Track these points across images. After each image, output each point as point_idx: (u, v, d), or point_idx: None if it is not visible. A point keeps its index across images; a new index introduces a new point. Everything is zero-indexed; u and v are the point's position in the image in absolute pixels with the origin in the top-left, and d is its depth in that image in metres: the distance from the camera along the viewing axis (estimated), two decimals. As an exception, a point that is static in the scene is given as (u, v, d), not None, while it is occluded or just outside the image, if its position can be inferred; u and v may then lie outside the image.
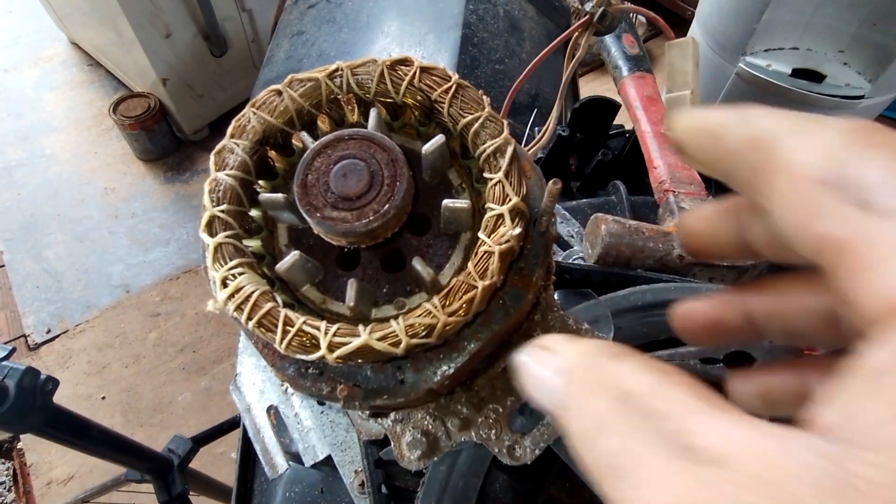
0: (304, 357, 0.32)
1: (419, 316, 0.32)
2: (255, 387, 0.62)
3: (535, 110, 0.91)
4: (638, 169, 0.85)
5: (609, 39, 0.89)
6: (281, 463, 0.61)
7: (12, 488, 2.16)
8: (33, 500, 2.06)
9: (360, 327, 0.32)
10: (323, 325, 0.32)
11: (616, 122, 0.98)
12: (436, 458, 0.45)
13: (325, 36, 1.66)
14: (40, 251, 2.65)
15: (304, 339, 0.32)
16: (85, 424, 0.90)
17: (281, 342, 0.32)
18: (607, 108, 0.87)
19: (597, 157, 0.83)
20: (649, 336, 0.58)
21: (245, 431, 0.74)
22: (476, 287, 0.32)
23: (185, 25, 2.64)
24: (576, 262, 0.64)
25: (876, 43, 1.71)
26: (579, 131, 0.92)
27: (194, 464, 1.41)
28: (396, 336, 0.32)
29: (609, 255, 0.61)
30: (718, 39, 1.95)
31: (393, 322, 0.32)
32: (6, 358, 0.73)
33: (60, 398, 2.36)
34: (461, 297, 0.32)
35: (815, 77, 1.79)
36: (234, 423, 1.38)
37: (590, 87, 3.13)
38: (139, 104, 2.82)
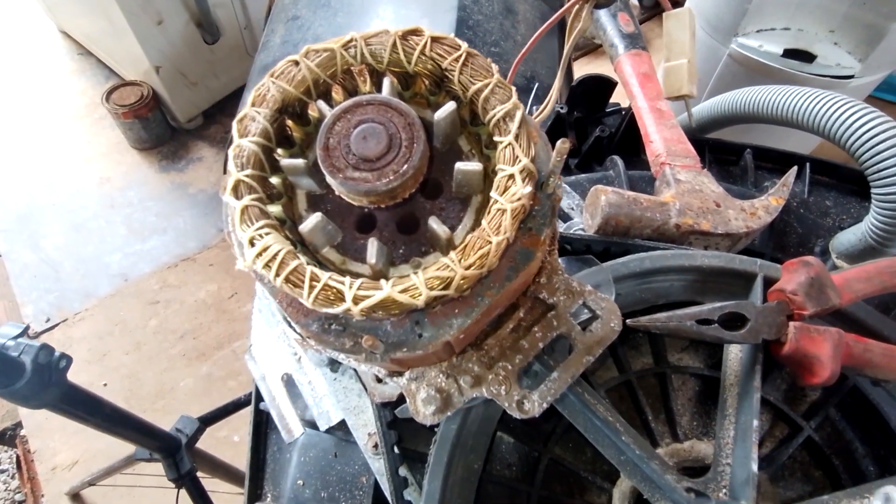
0: (329, 310, 0.34)
1: (437, 270, 0.35)
2: (269, 356, 0.64)
3: (533, 91, 0.92)
4: (635, 145, 0.87)
5: (605, 18, 0.90)
6: (296, 427, 0.63)
7: (16, 475, 2.19)
8: (38, 485, 2.09)
9: (383, 281, 0.34)
10: (347, 279, 0.34)
11: (613, 100, 1.00)
12: (449, 414, 0.47)
13: (321, 20, 1.66)
14: (37, 241, 2.64)
15: (330, 293, 0.34)
16: (97, 401, 0.92)
17: (308, 296, 0.34)
18: (604, 85, 0.88)
19: (594, 133, 0.85)
20: (648, 301, 0.61)
21: (256, 404, 0.76)
22: (490, 242, 0.35)
23: (177, 12, 2.62)
24: (577, 232, 0.67)
25: (866, 22, 1.73)
26: (577, 109, 0.94)
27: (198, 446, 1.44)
28: (417, 289, 0.34)
29: (608, 225, 0.64)
30: (711, 21, 1.96)
31: (413, 276, 0.34)
32: (21, 335, 0.75)
33: (63, 386, 2.33)
34: (476, 252, 0.34)
35: (806, 57, 1.81)
36: (239, 404, 1.41)
37: (584, 71, 3.14)
38: (132, 93, 2.80)
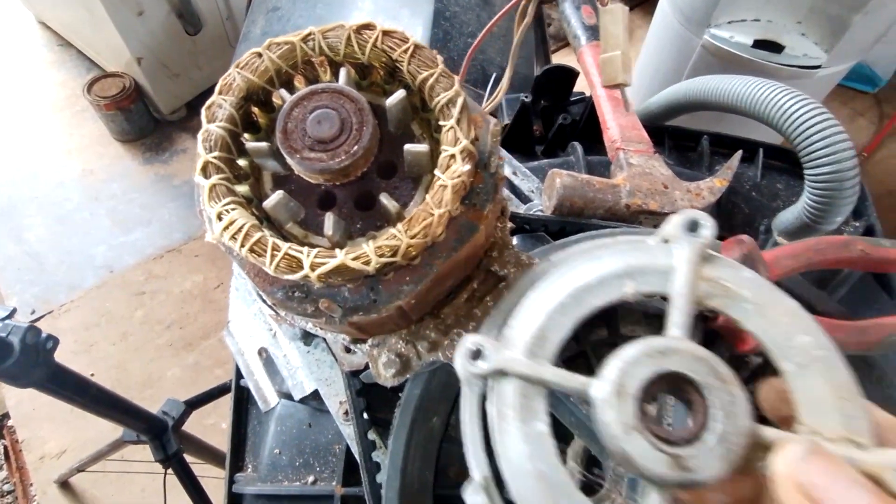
0: (290, 277, 0.38)
1: (386, 239, 0.39)
2: (246, 332, 0.68)
3: (492, 79, 0.96)
4: (596, 132, 0.92)
5: (569, 11, 0.94)
6: (272, 397, 0.67)
7: (4, 465, 2.21)
8: (27, 474, 2.11)
9: (337, 250, 0.38)
10: (306, 249, 0.38)
11: (579, 90, 1.04)
12: (408, 376, 0.51)
13: (301, 11, 1.68)
14: (20, 234, 2.64)
15: (290, 261, 0.38)
16: (85, 382, 0.95)
17: (270, 264, 0.38)
18: (568, 75, 0.93)
19: (558, 121, 0.89)
20: (599, 276, 0.66)
21: (237, 381, 0.80)
22: (433, 214, 0.39)
23: (157, 3, 2.61)
24: (535, 213, 0.71)
25: (831, 14, 1.79)
26: (543, 98, 0.98)
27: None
28: (367, 256, 0.38)
29: (564, 206, 0.68)
30: (685, 12, 2.01)
31: (364, 245, 0.39)
32: (9, 317, 0.78)
33: (49, 376, 2.33)
34: (420, 223, 0.39)
35: (775, 48, 1.87)
36: (224, 389, 1.45)
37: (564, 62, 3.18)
38: (114, 84, 2.80)
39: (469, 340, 0.32)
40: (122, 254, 2.60)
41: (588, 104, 0.92)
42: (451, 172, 0.39)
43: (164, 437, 1.18)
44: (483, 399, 0.33)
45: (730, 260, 0.32)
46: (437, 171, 0.40)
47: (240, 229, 0.39)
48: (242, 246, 0.38)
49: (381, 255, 0.38)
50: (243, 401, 0.82)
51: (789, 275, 0.61)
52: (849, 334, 0.57)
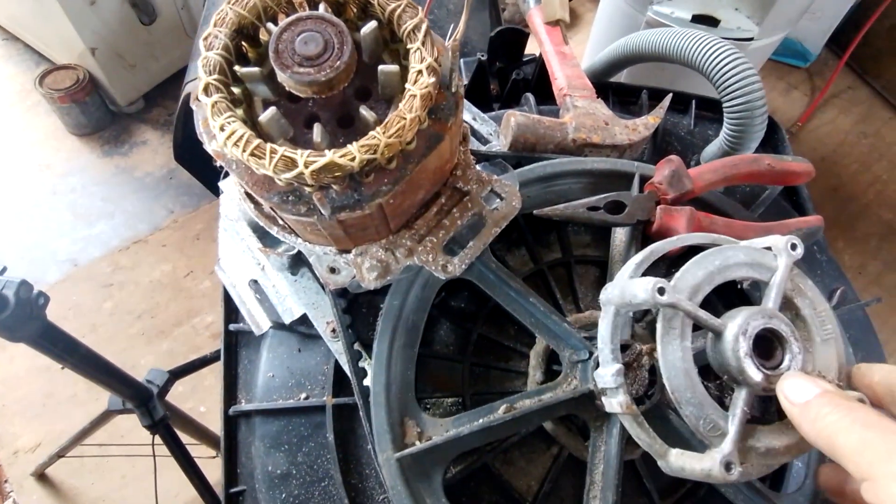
0: (287, 175, 0.45)
1: (367, 140, 0.46)
2: (237, 267, 0.74)
3: (451, 27, 1.05)
4: (547, 88, 1.01)
5: (519, -22, 1.03)
6: (264, 323, 0.74)
7: (-25, 465, 2.17)
8: (1, 471, 2.08)
9: (326, 151, 0.46)
10: (299, 150, 0.46)
11: (531, 51, 1.13)
12: (389, 279, 0.59)
13: (261, -7, 1.71)
14: (-24, 232, 2.58)
15: (287, 161, 0.45)
16: (75, 342, 0.98)
17: (270, 165, 0.45)
18: (518, 36, 1.01)
19: (512, 77, 0.98)
20: (552, 202, 0.75)
21: (227, 325, 0.86)
22: (405, 118, 0.46)
23: (109, -8, 2.58)
24: (494, 151, 0.79)
25: (760, -11, 1.94)
26: (499, 60, 1.07)
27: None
28: (352, 154, 0.45)
29: (518, 142, 0.77)
30: (630, -10, 2.13)
31: (349, 146, 0.46)
32: (1, 273, 0.82)
33: (18, 370, 2.32)
34: (396, 125, 0.46)
35: (712, 22, 2.01)
36: (205, 361, 1.48)
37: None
38: (67, 76, 2.74)
39: (656, 282, 0.47)
40: (86, 247, 2.57)
41: (539, 63, 1.01)
42: (419, 84, 0.47)
43: (150, 403, 1.21)
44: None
45: (803, 273, 0.51)
46: (407, 85, 0.48)
47: (241, 137, 0.45)
48: (244, 151, 0.45)
49: (364, 153, 0.45)
50: (233, 345, 0.88)
51: (711, 188, 0.72)
52: (758, 233, 0.68)
